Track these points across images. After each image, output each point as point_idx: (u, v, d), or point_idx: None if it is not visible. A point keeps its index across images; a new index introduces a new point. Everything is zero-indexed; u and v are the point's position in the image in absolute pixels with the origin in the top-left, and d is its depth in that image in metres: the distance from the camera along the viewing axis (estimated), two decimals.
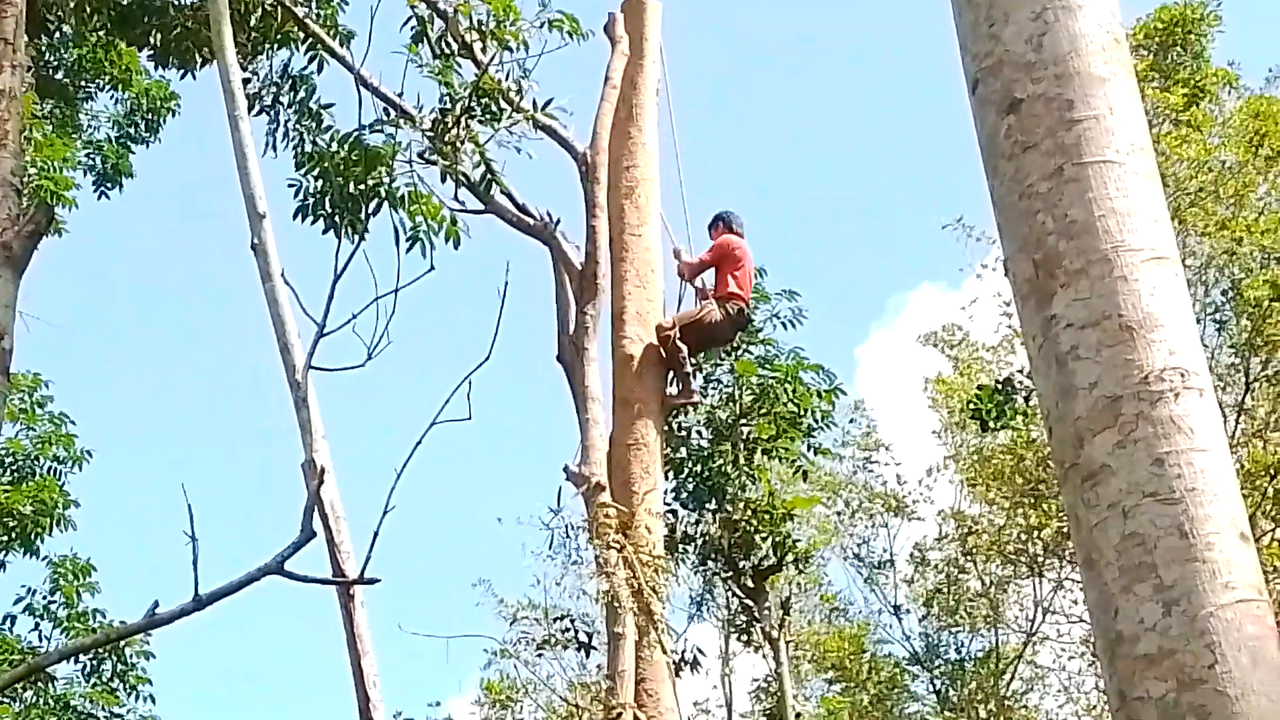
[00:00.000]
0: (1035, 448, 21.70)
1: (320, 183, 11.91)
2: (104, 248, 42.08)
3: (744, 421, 14.95)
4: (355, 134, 11.90)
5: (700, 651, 14.23)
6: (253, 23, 12.90)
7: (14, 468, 18.89)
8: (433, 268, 6.95)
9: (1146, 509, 3.74)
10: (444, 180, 12.17)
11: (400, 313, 6.36)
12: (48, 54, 15.48)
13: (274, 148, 12.98)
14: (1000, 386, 16.51)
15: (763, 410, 14.85)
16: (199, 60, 13.34)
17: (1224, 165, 20.86)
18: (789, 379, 14.80)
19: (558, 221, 12.47)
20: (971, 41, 4.37)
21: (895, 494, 27.36)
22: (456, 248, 11.88)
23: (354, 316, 6.48)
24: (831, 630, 27.51)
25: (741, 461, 14.88)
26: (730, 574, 15.66)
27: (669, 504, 14.09)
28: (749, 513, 15.03)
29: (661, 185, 12.66)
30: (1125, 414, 3.83)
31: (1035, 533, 23.67)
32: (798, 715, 22.06)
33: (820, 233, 41.93)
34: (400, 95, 12.45)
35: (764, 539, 15.24)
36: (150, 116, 16.96)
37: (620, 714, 10.10)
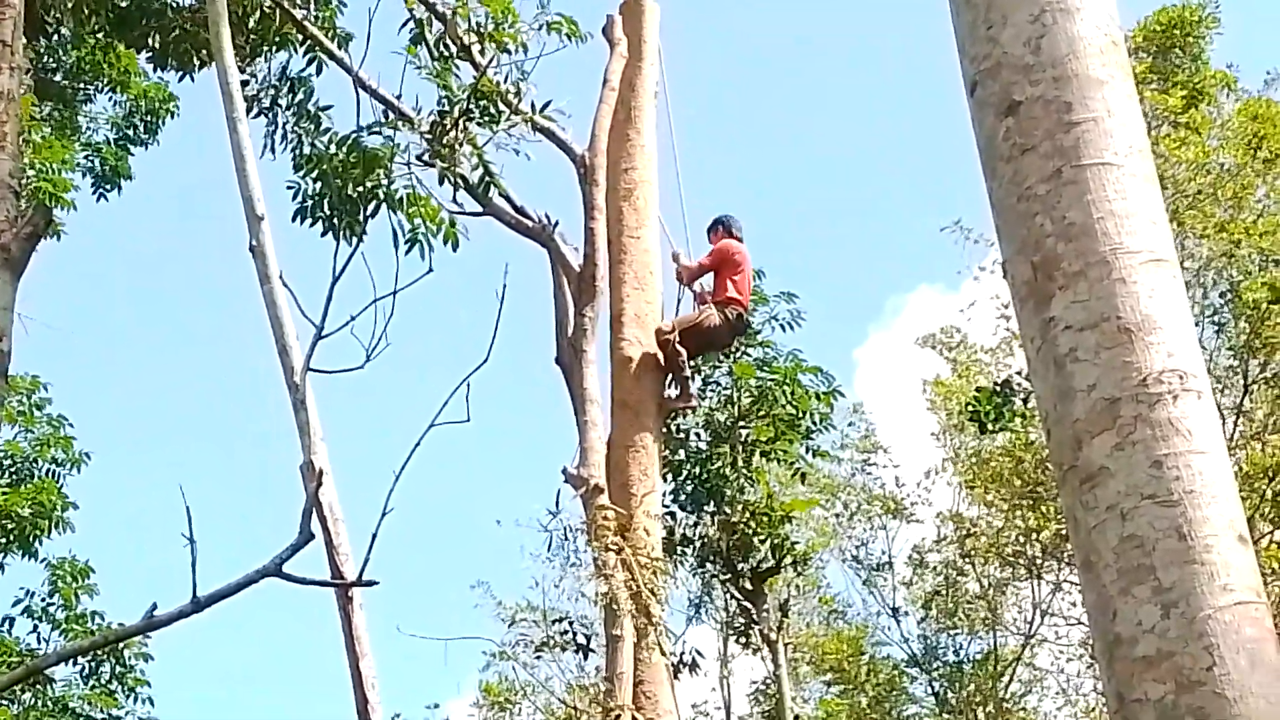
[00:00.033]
0: (1034, 450, 21.70)
1: (319, 185, 11.91)
2: (102, 250, 42.06)
3: (742, 424, 14.96)
4: (353, 136, 11.90)
5: (699, 653, 14.24)
6: (251, 25, 12.90)
7: (12, 470, 18.88)
8: (431, 270, 6.95)
9: (1145, 511, 3.74)
10: (442, 183, 12.18)
11: (399, 315, 6.36)
12: (46, 56, 15.48)
13: (272, 150, 12.99)
14: (999, 389, 16.52)
15: (761, 412, 14.86)
16: (197, 63, 13.33)
17: (1222, 168, 20.86)
18: (787, 381, 14.81)
19: (556, 224, 12.47)
20: (970, 44, 4.38)
21: (894, 496, 27.37)
22: (455, 250, 11.88)
23: (352, 319, 6.47)
24: (830, 632, 27.50)
25: (740, 464, 14.89)
26: (729, 576, 15.67)
27: (667, 506, 14.10)
28: (747, 515, 15.04)
29: (660, 187, 12.66)
30: (1124, 416, 3.83)
31: (1034, 535, 23.67)
32: (796, 717, 22.07)
33: (818, 235, 41.95)
34: (399, 97, 12.45)
35: (762, 541, 15.25)
36: (149, 118, 16.96)
37: (619, 716, 10.10)
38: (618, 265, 11.94)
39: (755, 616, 16.29)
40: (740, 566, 15.49)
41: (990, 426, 16.75)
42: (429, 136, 12.17)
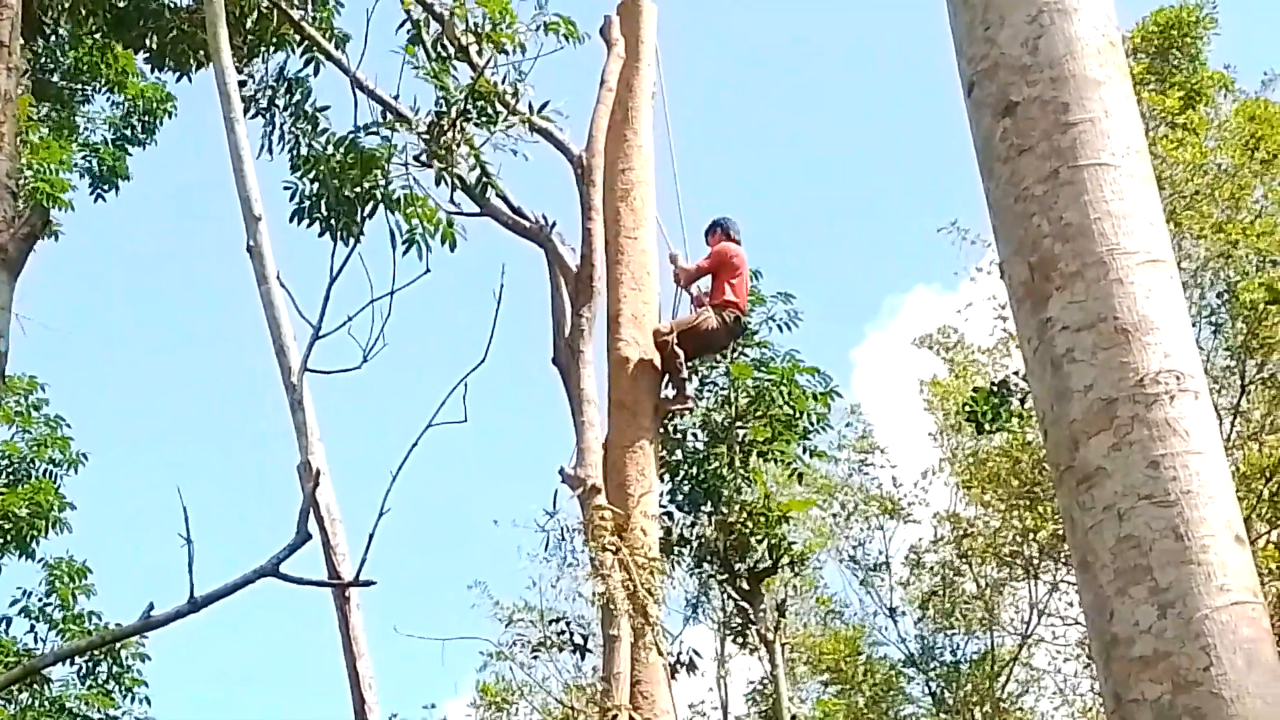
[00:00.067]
0: (1031, 450, 21.70)
1: (316, 186, 11.91)
2: (100, 250, 42.05)
3: (740, 424, 14.95)
4: (351, 136, 11.90)
5: (696, 654, 14.23)
6: (248, 25, 12.89)
7: (10, 470, 18.88)
8: (428, 270, 6.96)
9: (1142, 511, 3.74)
10: (439, 183, 12.18)
11: (396, 315, 6.37)
12: (44, 57, 15.47)
13: (270, 150, 12.98)
14: (996, 389, 16.50)
15: (758, 413, 14.86)
16: (194, 63, 13.33)
17: (1220, 168, 20.87)
18: (784, 381, 14.81)
19: (553, 224, 12.47)
20: (967, 44, 4.38)
21: (891, 496, 27.36)
22: (453, 250, 11.88)
23: (350, 319, 6.48)
24: (827, 632, 27.49)
25: (737, 464, 14.88)
26: (726, 576, 15.66)
27: (665, 506, 14.09)
28: (744, 515, 15.04)
29: (657, 188, 12.66)
30: (1121, 416, 3.83)
31: (1031, 535, 23.69)
32: (793, 717, 22.06)
33: (815, 235, 41.95)
34: (396, 98, 12.45)
35: (759, 541, 15.24)
36: (146, 119, 16.95)
37: (616, 716, 10.10)
38: (615, 266, 11.94)
39: (752, 616, 16.29)
40: (737, 567, 15.48)
41: (987, 427, 16.74)
42: (426, 137, 12.16)
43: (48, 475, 18.90)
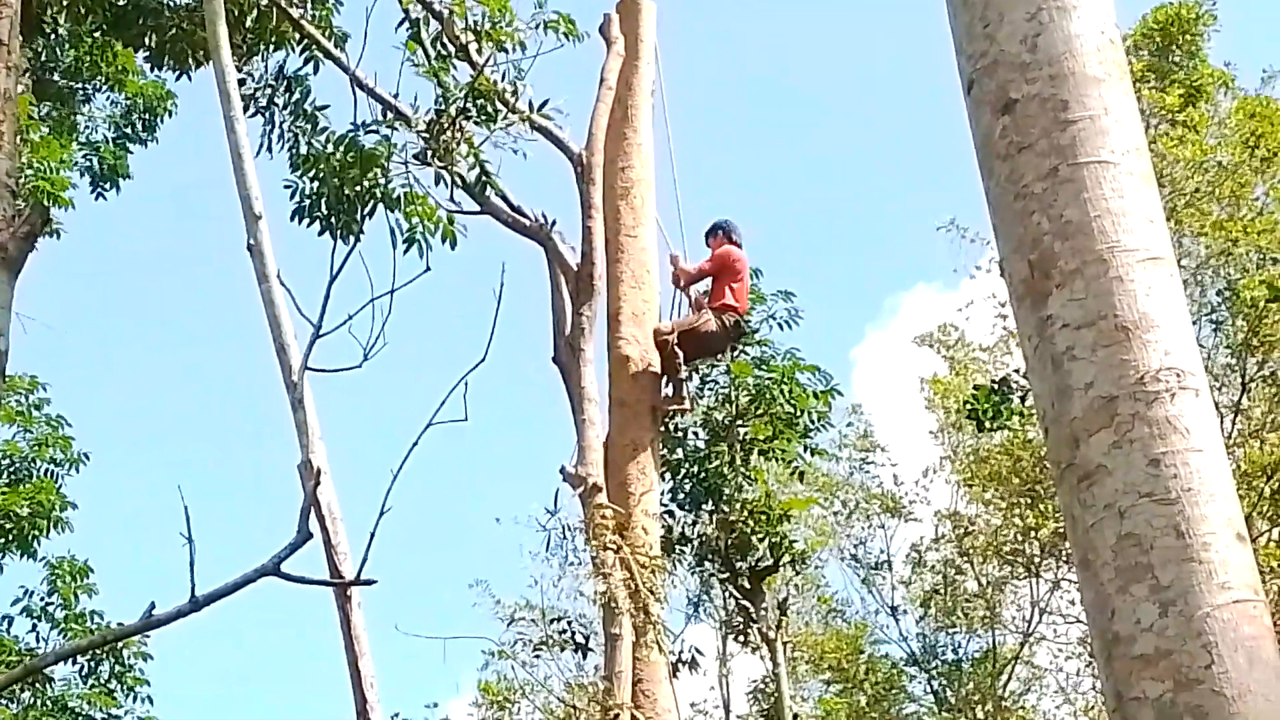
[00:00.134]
0: (1031, 448, 21.71)
1: (316, 184, 11.91)
2: (100, 249, 42.07)
3: (740, 423, 14.95)
4: (350, 135, 11.90)
5: (698, 652, 14.25)
6: (248, 24, 12.88)
7: (11, 470, 18.89)
8: (428, 269, 6.94)
9: (1143, 509, 3.74)
10: (438, 182, 12.18)
11: (396, 314, 6.36)
12: (44, 55, 15.46)
13: (269, 149, 12.97)
14: (996, 387, 16.48)
15: (759, 411, 14.85)
16: (194, 62, 13.32)
17: (1220, 166, 20.87)
18: (785, 380, 14.81)
19: (553, 222, 12.48)
20: (966, 42, 4.38)
21: (892, 495, 27.37)
22: (454, 248, 11.88)
23: (350, 318, 6.47)
24: (829, 631, 27.50)
25: (738, 462, 14.88)
26: (727, 575, 15.66)
27: (666, 505, 14.09)
28: (746, 514, 15.03)
29: (656, 186, 12.66)
30: (1121, 414, 3.83)
31: (1032, 533, 23.69)
32: (795, 716, 22.06)
33: (816, 233, 41.96)
34: (396, 96, 12.45)
35: (761, 540, 15.24)
36: (147, 117, 16.94)
37: (618, 715, 10.11)
38: (615, 264, 11.94)
39: (754, 615, 16.28)
40: (739, 565, 15.48)
41: (988, 425, 16.72)
42: (426, 135, 12.17)
43: (49, 475, 18.90)
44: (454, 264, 12.14)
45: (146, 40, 13.38)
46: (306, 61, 13.22)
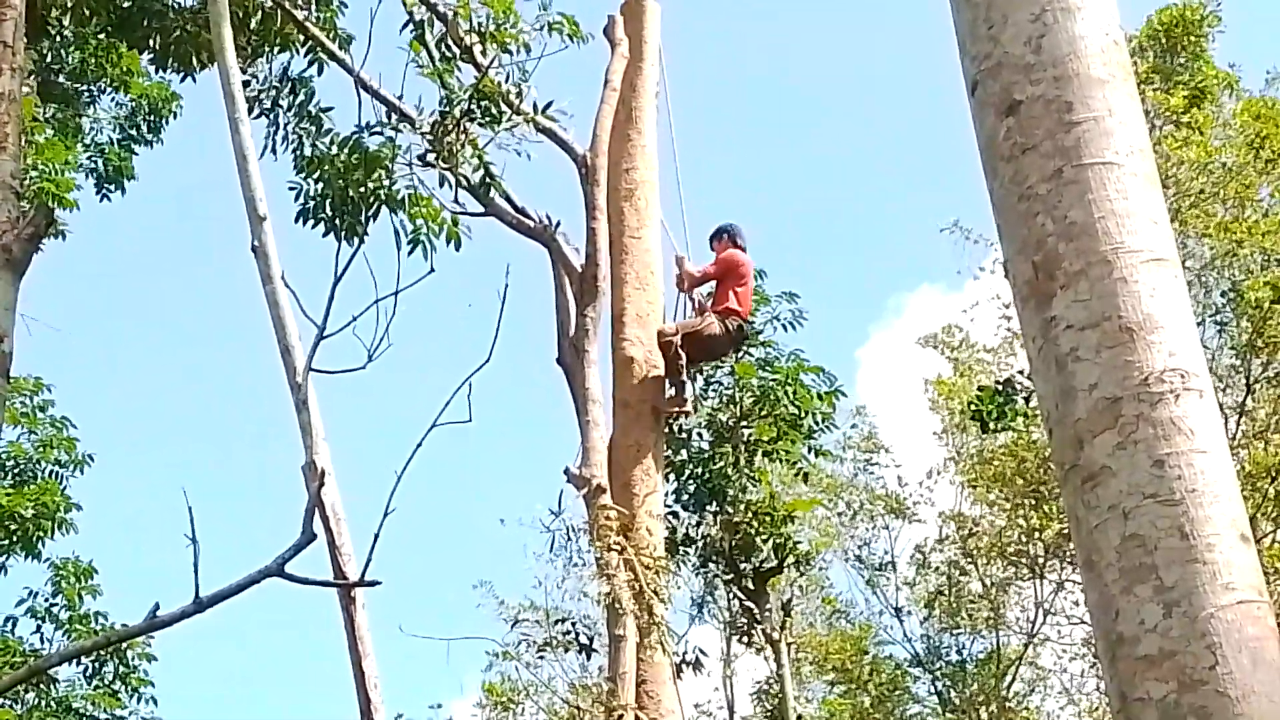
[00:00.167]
0: (1036, 449, 21.71)
1: (321, 186, 11.92)
2: (105, 250, 42.12)
3: (745, 424, 14.96)
4: (355, 137, 11.91)
5: (702, 653, 14.27)
6: (252, 26, 12.90)
7: (16, 471, 18.91)
8: (433, 270, 6.95)
9: (1147, 510, 3.74)
10: (442, 184, 12.19)
11: (400, 315, 6.36)
12: (49, 57, 15.48)
13: (274, 150, 12.98)
14: (1000, 388, 16.50)
15: (763, 412, 14.86)
16: (198, 64, 13.34)
17: (1224, 167, 20.86)
18: (789, 381, 14.82)
19: (557, 224, 12.48)
20: (970, 43, 4.37)
21: (896, 496, 27.37)
22: (458, 249, 11.90)
23: (354, 319, 6.47)
24: (833, 632, 27.50)
25: (742, 464, 14.89)
26: (731, 576, 15.67)
27: (670, 506, 14.10)
28: (750, 515, 15.05)
29: (660, 187, 12.67)
30: (1125, 415, 3.82)
31: (1036, 534, 23.68)
32: (799, 717, 22.05)
33: (820, 234, 41.98)
34: (400, 98, 12.46)
35: (765, 541, 15.25)
36: (152, 118, 16.95)
37: (621, 716, 10.11)
38: (619, 265, 11.94)
39: (758, 616, 16.29)
40: (743, 566, 15.50)
41: (992, 426, 16.74)
42: (430, 137, 12.17)
43: (54, 476, 18.93)
44: (458, 265, 12.16)
45: (151, 42, 13.39)
46: (311, 63, 13.24)
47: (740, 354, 14.30)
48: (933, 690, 27.08)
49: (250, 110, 12.08)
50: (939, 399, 26.33)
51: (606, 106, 12.53)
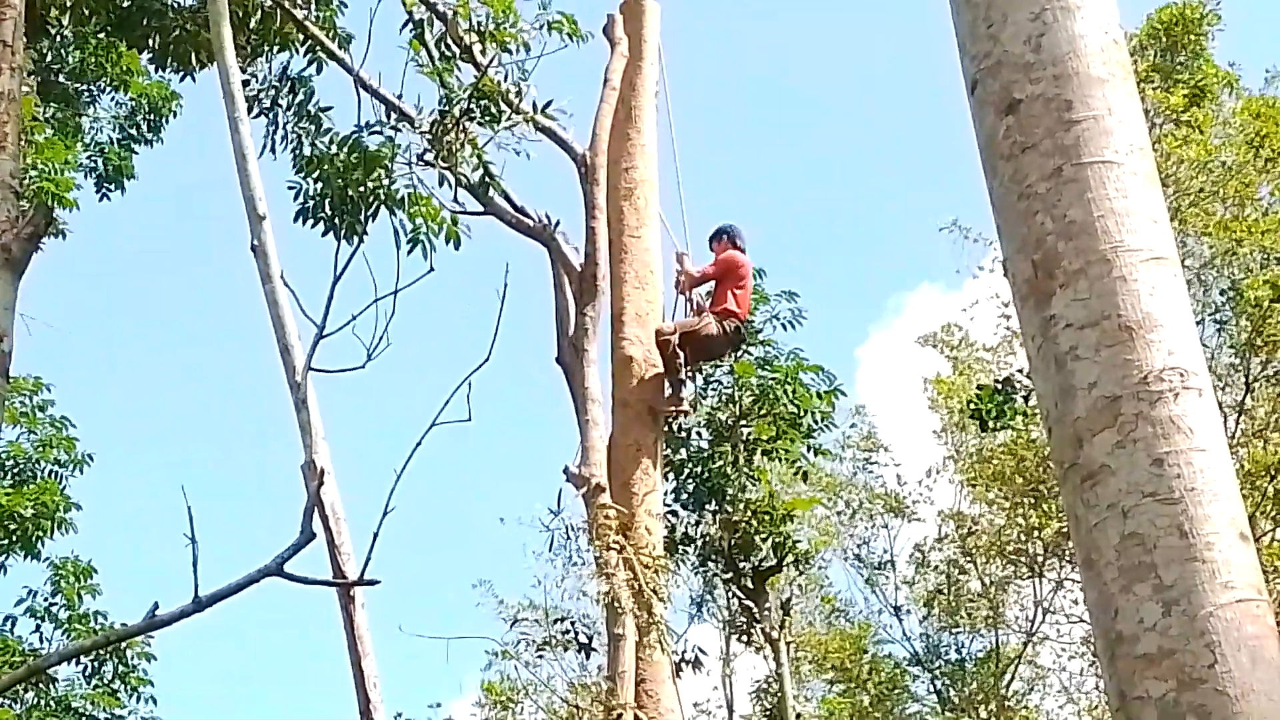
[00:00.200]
0: (1035, 448, 21.71)
1: (320, 185, 11.92)
2: (105, 249, 42.14)
3: (744, 423, 14.96)
4: (354, 136, 11.91)
5: (701, 652, 14.27)
6: (252, 25, 12.89)
7: (15, 471, 18.91)
8: (432, 269, 6.94)
9: (1146, 509, 3.74)
10: (442, 184, 12.19)
11: (400, 314, 6.35)
12: (50, 57, 15.48)
13: (273, 150, 12.99)
14: (1000, 386, 16.51)
15: (762, 411, 14.86)
16: (197, 63, 13.34)
17: (1224, 166, 20.87)
18: (788, 380, 14.82)
19: (557, 223, 12.48)
20: (970, 42, 4.38)
21: (895, 495, 27.38)
22: (457, 248, 11.90)
23: (354, 318, 6.46)
24: (832, 631, 27.51)
25: (741, 463, 14.89)
26: (730, 575, 15.67)
27: (669, 505, 14.10)
28: (749, 514, 15.05)
29: (660, 186, 12.66)
30: (1124, 414, 3.83)
31: (1035, 533, 23.69)
32: (798, 716, 22.07)
33: (819, 233, 42.00)
34: (399, 97, 12.46)
35: (764, 540, 15.26)
36: (152, 118, 16.95)
37: (621, 715, 10.11)
38: (618, 264, 11.94)
39: (757, 615, 16.29)
40: (742, 565, 15.50)
41: (991, 424, 16.76)
42: (430, 136, 12.17)
43: (53, 476, 18.93)
44: (458, 265, 12.16)
45: (151, 41, 13.39)
46: (310, 63, 13.23)
47: (737, 355, 14.30)
48: (932, 689, 27.10)
49: (250, 109, 12.07)
50: (938, 398, 26.34)
51: (606, 105, 12.53)
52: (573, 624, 11.26)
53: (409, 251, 11.49)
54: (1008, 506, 23.98)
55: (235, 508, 34.73)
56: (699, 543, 15.11)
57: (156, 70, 14.09)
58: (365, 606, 9.38)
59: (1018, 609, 26.64)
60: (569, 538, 10.99)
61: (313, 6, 13.11)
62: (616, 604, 10.31)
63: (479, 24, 12.55)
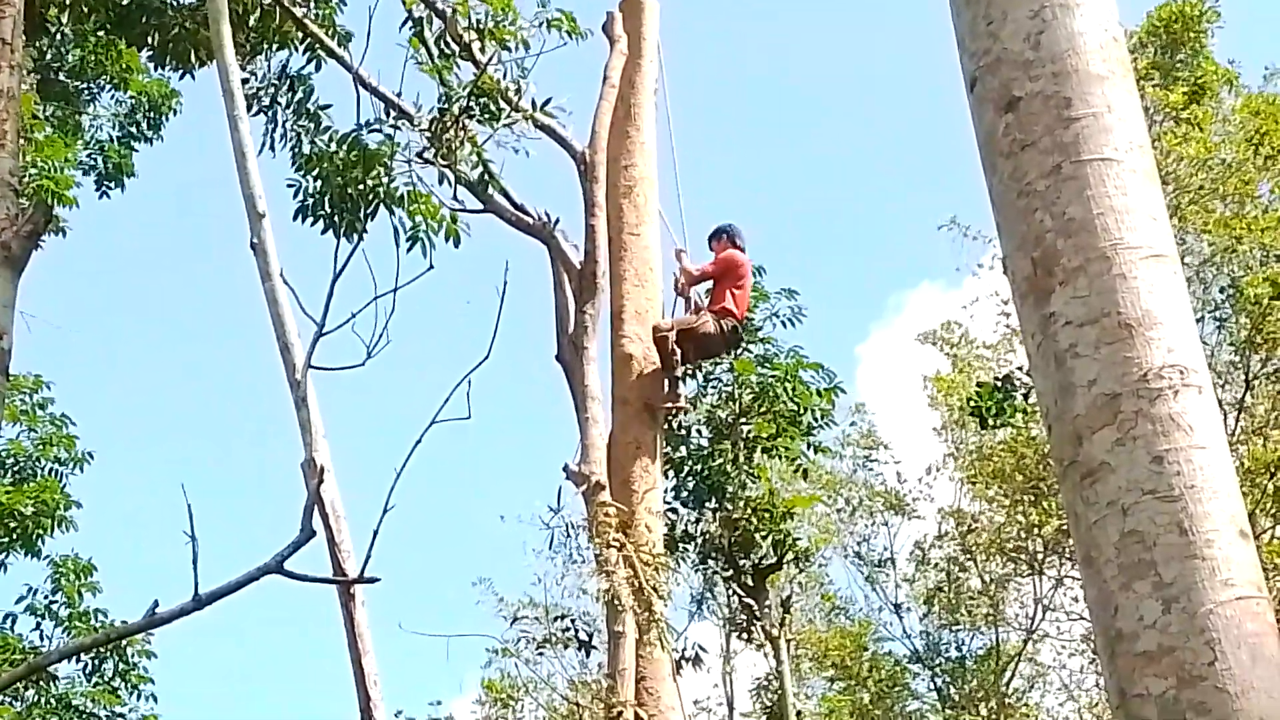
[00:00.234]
0: (1035, 445, 21.71)
1: (319, 183, 11.92)
2: (104, 247, 42.14)
3: (744, 420, 14.96)
4: (354, 134, 11.91)
5: (701, 649, 14.28)
6: (251, 23, 12.89)
7: (15, 469, 18.92)
8: (432, 267, 6.94)
9: (1146, 506, 3.74)
10: (441, 182, 12.19)
11: (399, 312, 6.36)
12: (50, 55, 15.48)
13: (272, 147, 12.99)
14: (1000, 384, 16.50)
15: (762, 409, 14.86)
16: (196, 62, 13.34)
17: (1224, 163, 20.86)
18: (788, 377, 14.82)
19: (556, 221, 12.48)
20: (969, 40, 4.38)
21: (895, 492, 27.38)
22: (457, 246, 11.90)
23: (353, 316, 6.47)
24: (832, 628, 27.51)
25: (741, 460, 14.89)
26: (731, 572, 15.67)
27: (669, 503, 14.10)
28: (749, 511, 15.04)
29: (659, 184, 12.66)
30: (1124, 411, 3.83)
31: (1035, 530, 23.69)
32: (799, 713, 22.06)
33: (819, 231, 42.00)
34: (399, 95, 12.45)
35: (764, 537, 15.25)
36: (151, 115, 16.96)
37: (621, 712, 10.11)
38: (618, 262, 11.94)
39: (757, 613, 16.29)
40: (742, 563, 15.49)
41: (991, 422, 16.75)
42: (429, 134, 12.17)
43: (53, 474, 18.95)
44: (457, 262, 12.15)
45: (150, 39, 13.39)
46: (309, 60, 13.24)
47: (734, 354, 14.30)
48: (932, 686, 27.09)
49: (249, 107, 12.06)
50: (938, 395, 26.33)
51: (605, 103, 12.53)
52: (573, 622, 11.27)
53: (408, 249, 11.50)
54: (1008, 504, 23.98)
55: (235, 506, 34.77)
56: (699, 540, 15.10)
57: (156, 68, 14.09)
58: (365, 604, 9.38)
59: (1018, 606, 26.67)
60: (569, 535, 11.00)
61: (312, 4, 13.11)
62: (617, 601, 10.31)
63: (478, 22, 12.55)
